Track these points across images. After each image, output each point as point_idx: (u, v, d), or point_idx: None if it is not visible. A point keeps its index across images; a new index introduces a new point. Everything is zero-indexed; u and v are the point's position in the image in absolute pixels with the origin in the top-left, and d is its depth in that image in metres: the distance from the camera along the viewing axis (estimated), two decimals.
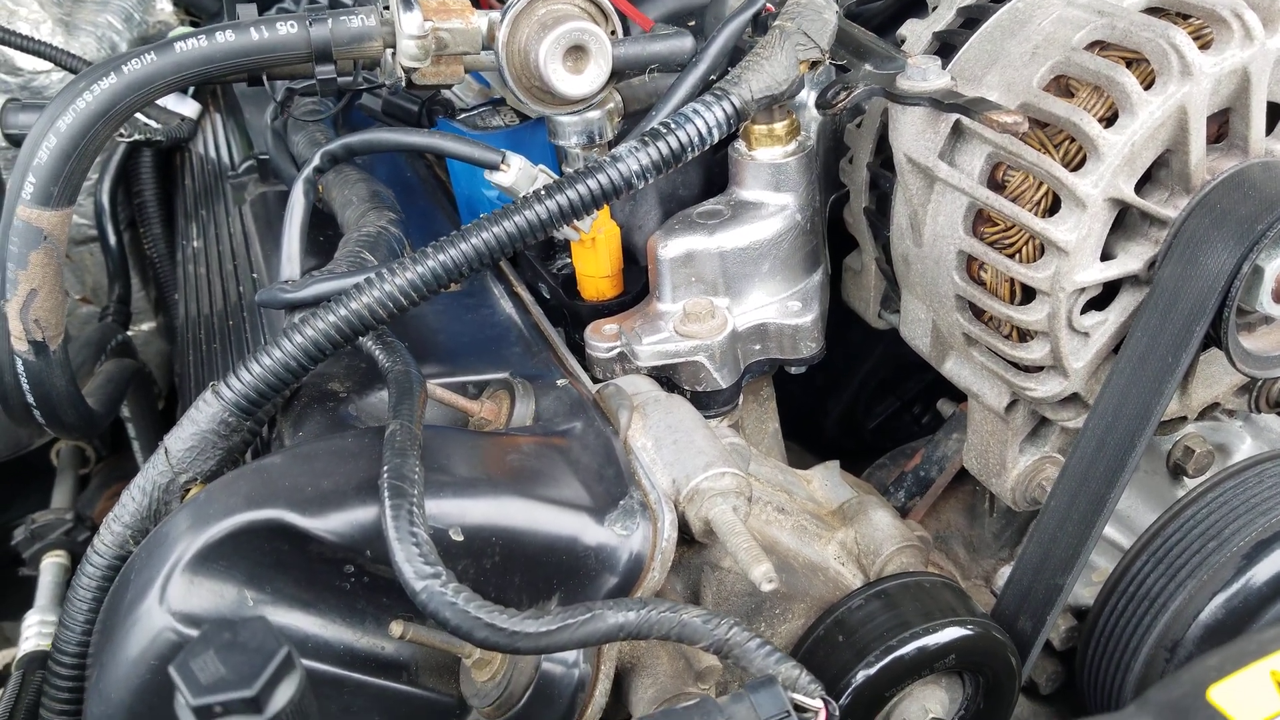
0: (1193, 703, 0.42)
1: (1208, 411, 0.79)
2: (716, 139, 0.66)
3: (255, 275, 0.90)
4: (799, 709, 0.52)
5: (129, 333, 1.26)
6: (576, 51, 0.69)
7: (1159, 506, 0.86)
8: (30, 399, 0.78)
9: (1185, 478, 0.87)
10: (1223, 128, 0.68)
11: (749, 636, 0.56)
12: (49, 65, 1.15)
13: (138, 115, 1.05)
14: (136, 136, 1.05)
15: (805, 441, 1.08)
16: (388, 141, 0.75)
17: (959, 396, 0.92)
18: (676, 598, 0.71)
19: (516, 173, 0.72)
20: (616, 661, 0.64)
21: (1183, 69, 0.63)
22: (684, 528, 0.68)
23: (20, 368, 0.77)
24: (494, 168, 0.72)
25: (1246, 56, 0.64)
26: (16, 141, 0.93)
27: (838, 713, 0.53)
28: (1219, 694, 0.42)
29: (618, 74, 0.72)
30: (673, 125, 0.64)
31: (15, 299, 0.75)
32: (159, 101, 1.10)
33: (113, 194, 1.23)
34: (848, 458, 0.93)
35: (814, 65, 0.69)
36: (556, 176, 0.70)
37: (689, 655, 0.66)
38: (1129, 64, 0.66)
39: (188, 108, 1.13)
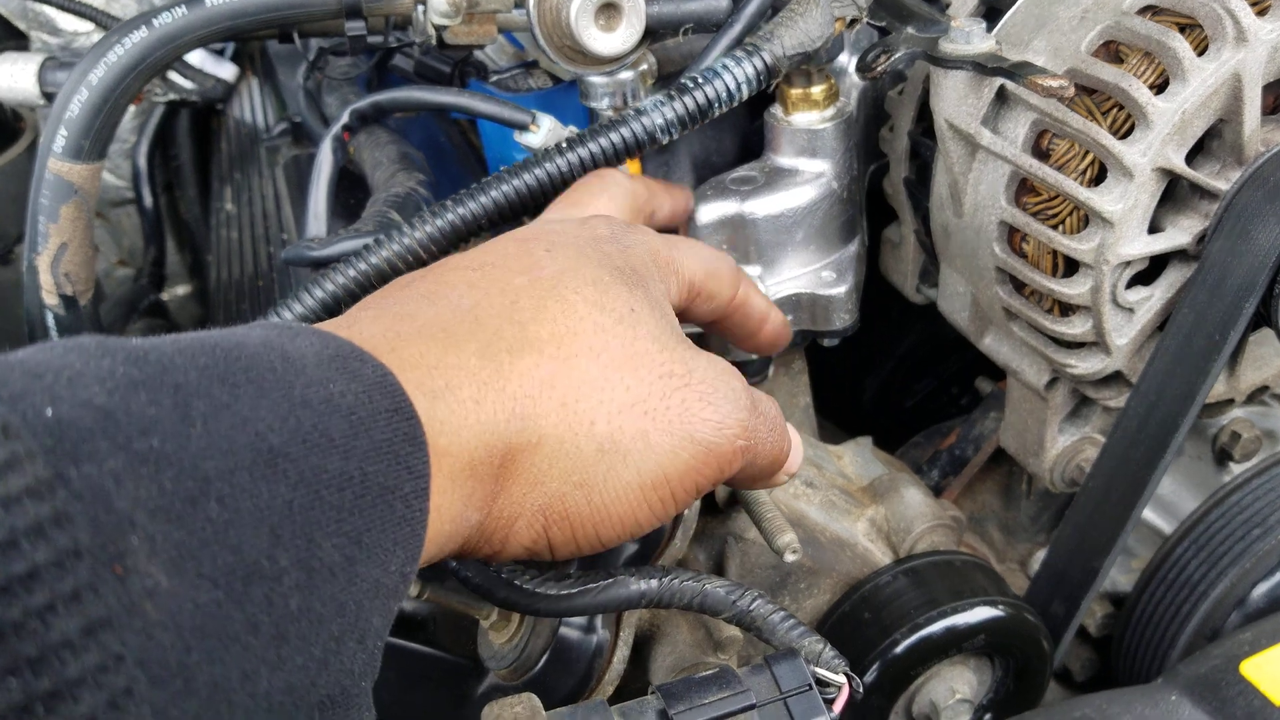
0: (1224, 676, 0.40)
1: (1256, 395, 0.76)
2: (746, 95, 0.64)
3: (285, 237, 0.90)
4: (821, 683, 0.51)
5: (164, 296, 1.26)
6: (609, 9, 0.68)
7: (1203, 492, 0.84)
8: None
9: (1231, 463, 0.84)
10: (1279, 98, 0.66)
11: (772, 609, 0.55)
12: (90, 26, 1.15)
13: (173, 77, 1.05)
14: (171, 96, 1.05)
15: (842, 420, 1.06)
16: (417, 100, 0.74)
17: (998, 374, 0.90)
18: (700, 568, 0.69)
19: (546, 133, 0.70)
20: (636, 629, 0.63)
21: (1238, 35, 0.61)
22: (708, 497, 0.66)
23: (51, 321, 0.77)
24: (523, 128, 0.71)
25: None
26: (54, 100, 0.92)
27: (861, 689, 0.51)
28: (1252, 668, 0.41)
29: (651, 33, 0.70)
30: (700, 80, 0.63)
31: (46, 252, 0.75)
32: (198, 65, 1.10)
33: (150, 157, 1.23)
34: (885, 436, 0.91)
35: (851, 23, 0.67)
36: None
37: (709, 625, 0.65)
38: (1182, 29, 0.63)
39: (225, 70, 1.13)
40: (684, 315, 0.56)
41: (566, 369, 0.46)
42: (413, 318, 0.45)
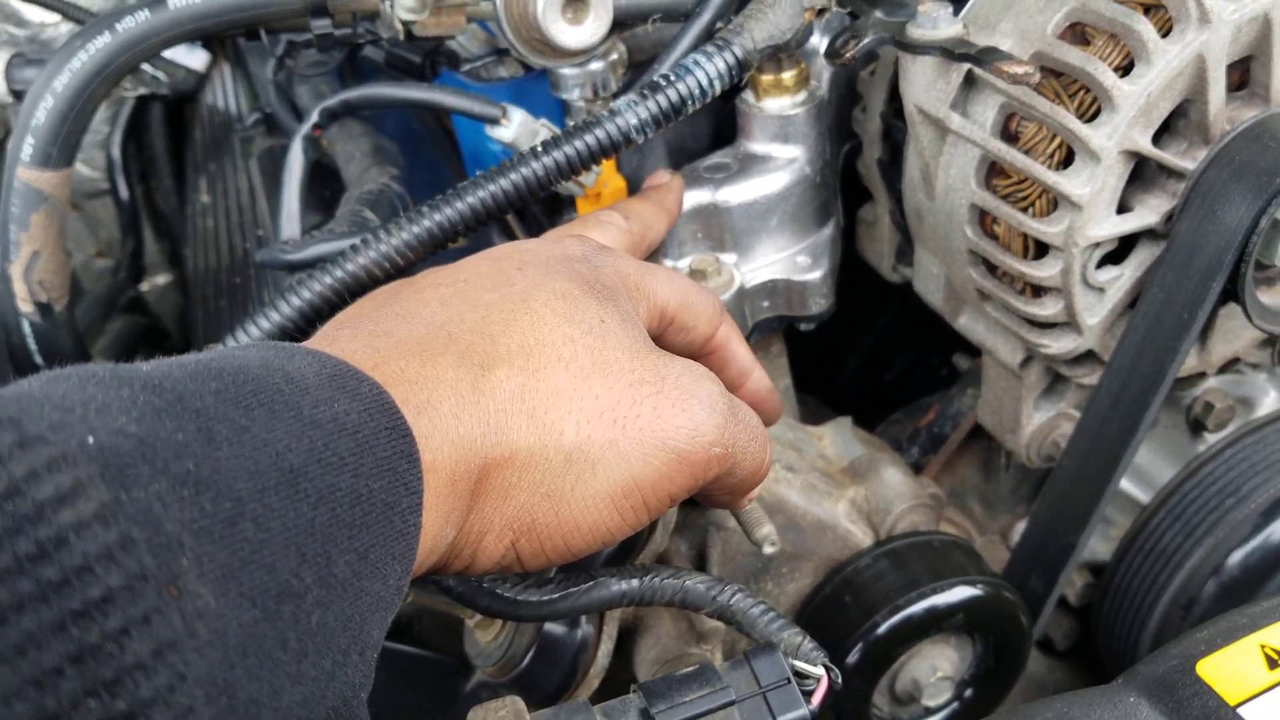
0: (1180, 677, 0.41)
1: (1228, 366, 0.77)
2: (718, 90, 0.64)
3: (260, 232, 0.89)
4: (800, 675, 0.52)
5: (144, 288, 1.26)
6: (576, 2, 0.67)
7: (1178, 462, 0.85)
8: (39, 360, 0.78)
9: (1205, 433, 0.85)
10: (1244, 76, 0.66)
11: (752, 603, 0.56)
12: (56, 17, 1.14)
13: (144, 68, 1.04)
14: (141, 90, 1.04)
15: (823, 395, 1.07)
16: (386, 96, 0.74)
17: (975, 350, 0.90)
18: (682, 559, 0.70)
19: (517, 127, 0.70)
20: (620, 623, 0.64)
21: (1201, 16, 0.61)
22: None
23: (27, 329, 0.77)
24: (494, 122, 0.70)
25: (1268, 2, 0.61)
26: (22, 97, 0.92)
27: (840, 680, 0.52)
28: (1208, 668, 0.42)
29: (620, 24, 0.70)
30: (672, 78, 0.63)
31: (19, 261, 0.74)
32: (167, 54, 1.09)
33: (124, 147, 1.22)
34: (866, 411, 0.92)
35: (820, 13, 0.67)
36: (559, 130, 0.69)
37: (692, 616, 0.66)
38: (1147, 10, 0.63)
39: (196, 59, 1.12)
40: (657, 344, 0.56)
41: (535, 380, 0.46)
42: (389, 334, 0.46)
